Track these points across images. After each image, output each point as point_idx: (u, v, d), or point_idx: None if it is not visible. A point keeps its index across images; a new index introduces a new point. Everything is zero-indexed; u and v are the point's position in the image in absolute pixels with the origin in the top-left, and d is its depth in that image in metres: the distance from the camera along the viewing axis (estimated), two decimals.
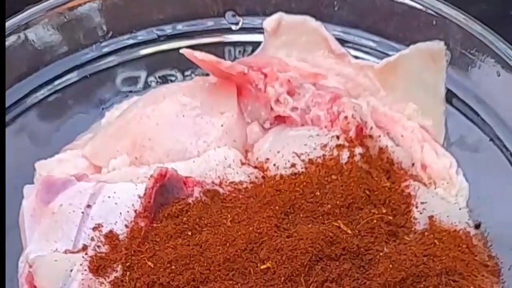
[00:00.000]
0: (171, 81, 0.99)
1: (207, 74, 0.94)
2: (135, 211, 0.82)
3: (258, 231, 0.77)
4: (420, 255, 0.78)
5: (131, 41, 0.98)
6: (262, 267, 0.75)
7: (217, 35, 0.99)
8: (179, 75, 0.99)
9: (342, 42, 0.94)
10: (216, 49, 0.98)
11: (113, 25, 0.96)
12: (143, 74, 0.99)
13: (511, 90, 0.86)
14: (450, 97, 0.91)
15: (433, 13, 0.90)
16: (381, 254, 0.77)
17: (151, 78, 0.99)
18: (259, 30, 0.97)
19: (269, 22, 0.93)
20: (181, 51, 0.91)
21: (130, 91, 0.98)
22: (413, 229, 0.82)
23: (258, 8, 0.96)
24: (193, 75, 0.98)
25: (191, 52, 0.91)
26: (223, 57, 0.98)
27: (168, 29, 0.98)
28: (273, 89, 0.90)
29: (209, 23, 0.99)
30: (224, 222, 0.79)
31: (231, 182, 0.85)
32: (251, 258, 0.76)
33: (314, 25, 0.93)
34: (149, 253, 0.78)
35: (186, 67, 0.98)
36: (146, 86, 0.99)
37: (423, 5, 0.91)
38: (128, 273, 0.77)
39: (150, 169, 0.85)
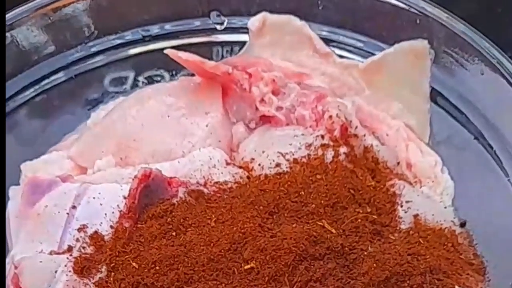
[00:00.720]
0: (158, 81, 0.99)
1: (193, 74, 0.93)
2: (120, 211, 0.81)
3: (242, 231, 0.77)
4: (405, 254, 0.78)
5: (118, 41, 0.97)
6: (246, 267, 0.75)
7: (204, 35, 0.99)
8: (166, 75, 0.99)
9: (326, 41, 0.94)
10: (204, 49, 0.98)
11: (99, 25, 0.96)
12: (131, 75, 0.99)
13: (494, 89, 0.86)
14: (434, 96, 0.91)
15: (416, 12, 0.90)
16: (365, 253, 0.77)
17: (139, 79, 0.99)
18: (244, 30, 0.97)
19: (253, 22, 0.93)
20: (165, 51, 0.91)
21: (117, 92, 0.98)
22: (398, 228, 0.82)
23: (243, 8, 0.96)
24: (179, 75, 0.98)
25: (175, 52, 0.91)
26: (211, 57, 0.98)
27: (155, 29, 0.98)
28: (258, 89, 0.90)
29: (196, 23, 0.99)
30: (208, 223, 0.79)
31: (216, 182, 0.84)
32: (235, 258, 0.76)
33: (298, 25, 0.93)
34: (134, 253, 0.78)
35: (173, 67, 0.98)
36: (134, 86, 0.99)
37: (406, 4, 0.91)
38: (112, 273, 0.77)
39: (135, 169, 0.85)
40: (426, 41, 0.89)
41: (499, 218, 0.84)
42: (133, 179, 0.81)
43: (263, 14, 0.93)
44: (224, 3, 0.97)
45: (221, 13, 0.97)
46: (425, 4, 0.90)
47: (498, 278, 0.81)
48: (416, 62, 0.90)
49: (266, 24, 0.93)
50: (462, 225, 0.85)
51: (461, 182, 0.88)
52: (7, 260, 0.83)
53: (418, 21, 0.90)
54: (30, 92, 0.94)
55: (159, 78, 0.99)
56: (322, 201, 0.81)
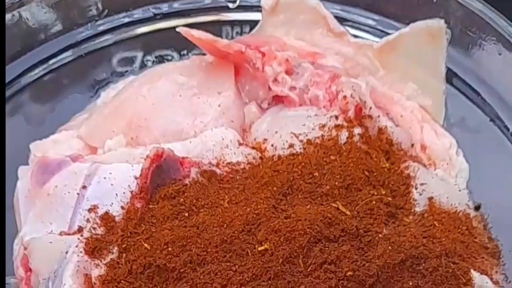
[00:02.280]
0: (168, 60, 0.98)
1: (204, 54, 0.92)
2: (131, 192, 0.81)
3: (256, 212, 0.76)
4: (420, 236, 0.77)
5: (127, 20, 0.97)
6: (260, 248, 0.74)
7: (215, 13, 0.98)
8: (175, 54, 0.98)
9: (341, 20, 0.93)
10: (213, 28, 0.97)
11: (108, 4, 0.95)
12: (139, 54, 0.98)
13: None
14: (450, 76, 0.90)
15: None
16: (380, 235, 0.76)
17: (147, 58, 0.98)
18: (256, 8, 0.96)
19: (267, 1, 0.92)
20: (177, 29, 0.90)
21: (126, 71, 0.97)
22: (412, 210, 0.81)
23: None
24: (190, 54, 0.97)
25: (188, 30, 0.89)
26: (221, 37, 0.96)
27: (164, 7, 0.97)
28: (271, 68, 0.89)
29: (207, 1, 0.98)
30: (221, 203, 0.78)
31: (229, 163, 0.84)
32: (249, 240, 0.75)
33: (312, 3, 0.92)
34: (146, 234, 0.77)
35: (182, 46, 0.97)
36: (143, 66, 0.98)
37: None
38: (124, 255, 0.76)
39: (146, 149, 0.84)
40: (442, 21, 0.88)
41: None
42: (145, 159, 0.81)
43: None
44: None
45: None
46: None
47: None
48: (432, 42, 0.89)
49: (280, 2, 0.92)
50: (477, 208, 0.84)
51: (476, 164, 0.88)
52: (16, 241, 0.82)
53: (434, 0, 0.89)
54: (38, 71, 0.94)
55: (168, 58, 0.98)
56: (336, 183, 0.80)
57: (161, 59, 0.98)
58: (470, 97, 0.90)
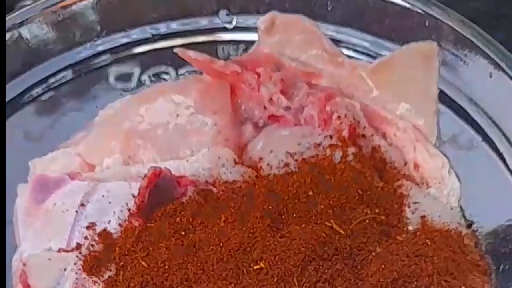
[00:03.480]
0: (164, 79, 0.99)
1: (201, 72, 0.93)
2: (129, 210, 0.82)
3: (251, 231, 0.78)
4: (412, 255, 0.78)
5: (125, 40, 0.98)
6: (255, 267, 0.75)
7: (211, 34, 0.99)
8: (172, 72, 0.99)
9: (335, 41, 0.94)
10: (210, 48, 0.98)
11: (107, 24, 0.96)
12: (136, 71, 0.99)
13: (503, 92, 0.86)
14: (441, 96, 0.91)
15: (425, 14, 0.91)
16: (373, 254, 0.78)
17: (144, 76, 0.99)
18: (252, 29, 0.97)
19: (262, 21, 0.93)
20: (175, 50, 0.91)
21: (124, 89, 0.98)
22: (405, 229, 0.82)
23: (252, 7, 0.96)
24: (186, 73, 0.98)
25: (185, 51, 0.91)
26: (217, 55, 0.98)
27: (162, 28, 0.98)
28: (267, 89, 0.90)
29: (203, 22, 0.99)
30: (217, 222, 0.80)
31: (225, 182, 0.85)
32: (244, 259, 0.76)
33: (308, 25, 0.93)
34: (143, 252, 0.78)
35: (179, 65, 0.98)
36: (140, 83, 0.99)
37: (415, 6, 0.91)
38: (121, 272, 0.78)
39: (144, 168, 0.86)
40: (435, 43, 0.89)
41: (505, 219, 0.85)
42: (143, 178, 0.82)
43: (273, 13, 0.93)
44: (233, 1, 0.97)
45: (230, 12, 0.97)
46: (435, 7, 0.90)
47: (503, 280, 0.82)
48: (424, 64, 0.90)
49: (276, 23, 0.93)
50: (469, 226, 0.85)
51: (467, 182, 0.88)
52: (14, 257, 0.83)
53: (427, 23, 0.90)
54: (38, 90, 0.95)
55: (165, 76, 0.99)
56: (331, 202, 0.81)
57: (157, 77, 0.99)
58: (462, 116, 0.91)
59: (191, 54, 0.91)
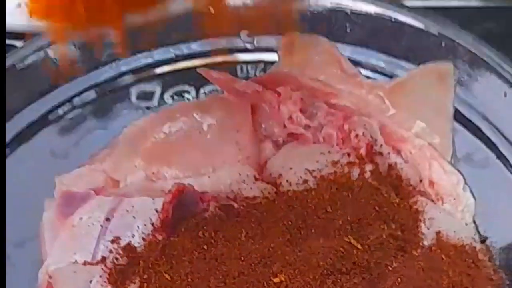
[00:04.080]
0: (186, 97, 1.00)
1: (222, 91, 0.96)
2: (152, 224, 0.84)
3: (272, 245, 0.80)
4: (428, 269, 0.79)
5: (148, 60, 1.00)
6: (275, 280, 0.77)
7: (230, 54, 1.01)
8: (193, 91, 1.01)
9: (353, 62, 0.96)
10: (229, 67, 0.99)
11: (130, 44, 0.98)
12: (158, 90, 1.01)
13: None
14: (456, 115, 0.92)
15: (441, 35, 0.92)
16: (390, 268, 0.79)
17: (166, 94, 1.01)
18: (271, 49, 0.99)
19: (283, 42, 0.95)
20: (198, 70, 0.94)
21: (146, 107, 1.00)
22: (421, 244, 0.84)
23: (273, 28, 0.96)
24: (206, 91, 1.00)
25: (208, 71, 0.94)
26: (236, 74, 0.99)
27: (184, 49, 1.00)
28: (286, 108, 0.92)
29: (222, 42, 1.00)
30: (239, 237, 0.81)
31: (245, 197, 0.87)
32: (265, 272, 0.78)
33: (327, 46, 0.95)
34: (167, 266, 0.80)
35: (200, 84, 1.00)
36: (161, 102, 1.01)
37: (431, 27, 0.93)
38: (145, 285, 0.79)
39: (167, 183, 0.88)
40: (451, 63, 0.91)
41: None
42: (166, 194, 0.84)
43: (293, 34, 0.95)
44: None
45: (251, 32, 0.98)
46: (451, 28, 0.92)
47: None
48: (440, 83, 0.91)
49: (296, 44, 0.95)
50: (483, 241, 0.87)
51: (482, 199, 0.90)
52: (41, 270, 0.85)
53: (443, 44, 0.92)
54: (64, 108, 0.97)
55: (186, 94, 1.01)
56: (348, 218, 0.83)
57: (179, 95, 1.01)
58: (476, 134, 0.92)
59: (213, 73, 0.93)
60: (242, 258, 0.79)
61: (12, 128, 0.93)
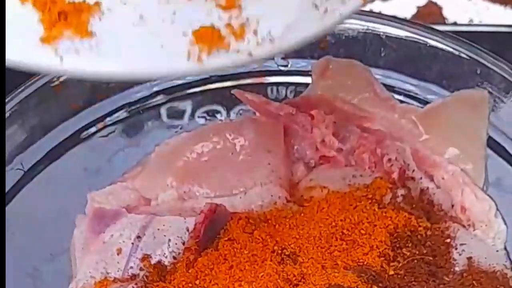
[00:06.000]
0: (216, 116, 1.01)
1: (254, 112, 0.96)
2: (183, 243, 0.84)
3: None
4: None
5: (180, 81, 1.00)
6: None
7: (260, 76, 1.01)
8: (223, 112, 1.01)
9: (386, 86, 0.96)
10: (259, 88, 1.00)
11: None
12: (188, 109, 1.01)
13: None
14: (488, 139, 0.92)
15: (476, 61, 0.92)
16: None
17: (197, 113, 1.01)
18: (301, 72, 0.99)
19: (317, 65, 0.96)
20: (233, 91, 0.95)
21: (178, 126, 1.00)
22: (452, 269, 0.83)
23: (307, 51, 0.98)
24: (237, 111, 1.00)
25: (243, 92, 0.94)
26: (266, 94, 1.00)
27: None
28: (319, 130, 0.93)
29: (253, 65, 1.00)
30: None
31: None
32: None
33: (360, 69, 0.95)
34: (197, 285, 0.80)
35: (231, 105, 1.00)
36: (192, 122, 1.01)
37: (466, 54, 0.93)
38: None
39: (198, 203, 0.88)
40: (485, 91, 0.91)
41: None
42: (199, 214, 0.84)
43: (327, 57, 0.95)
44: None
45: (286, 56, 0.99)
46: (486, 55, 0.92)
47: None
48: (474, 111, 0.91)
49: (330, 67, 0.95)
50: None
51: None
52: (70, 286, 0.85)
53: (478, 71, 0.92)
54: (96, 126, 0.97)
55: (217, 114, 1.01)
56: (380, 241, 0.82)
57: (210, 114, 1.01)
58: (506, 159, 0.92)
59: (248, 95, 0.94)
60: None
61: (45, 145, 0.93)
